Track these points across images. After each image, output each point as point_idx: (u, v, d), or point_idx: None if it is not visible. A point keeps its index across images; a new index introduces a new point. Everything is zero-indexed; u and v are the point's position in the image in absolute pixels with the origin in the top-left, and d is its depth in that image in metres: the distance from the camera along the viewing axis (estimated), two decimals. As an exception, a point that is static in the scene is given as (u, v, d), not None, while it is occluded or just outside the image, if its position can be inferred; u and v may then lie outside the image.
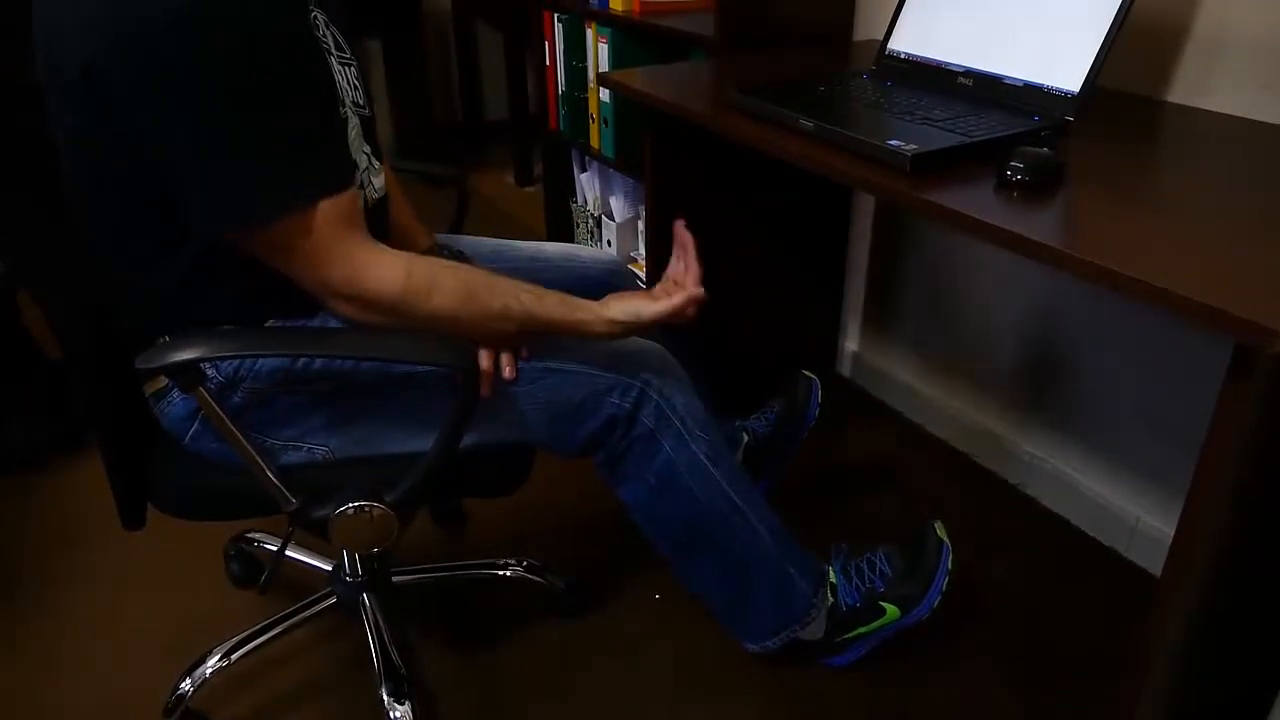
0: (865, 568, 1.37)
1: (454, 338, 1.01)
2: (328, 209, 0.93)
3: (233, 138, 0.88)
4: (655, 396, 1.17)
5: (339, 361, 1.08)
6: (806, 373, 1.70)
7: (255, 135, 0.89)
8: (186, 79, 0.85)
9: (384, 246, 1.00)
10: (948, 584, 1.34)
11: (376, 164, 1.12)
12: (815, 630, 1.35)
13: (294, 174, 0.92)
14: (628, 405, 1.16)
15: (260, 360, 1.06)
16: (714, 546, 1.28)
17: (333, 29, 1.05)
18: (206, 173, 0.90)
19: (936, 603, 1.34)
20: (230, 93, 0.87)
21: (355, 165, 1.05)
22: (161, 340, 0.96)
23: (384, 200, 1.16)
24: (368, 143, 1.10)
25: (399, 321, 1.00)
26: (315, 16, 1.01)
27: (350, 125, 1.05)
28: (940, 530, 1.38)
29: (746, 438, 1.65)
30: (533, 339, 1.11)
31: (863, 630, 1.36)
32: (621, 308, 1.11)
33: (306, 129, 0.93)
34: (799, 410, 1.67)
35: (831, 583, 1.35)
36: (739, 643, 1.38)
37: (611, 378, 1.16)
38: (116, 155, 0.91)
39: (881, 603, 1.34)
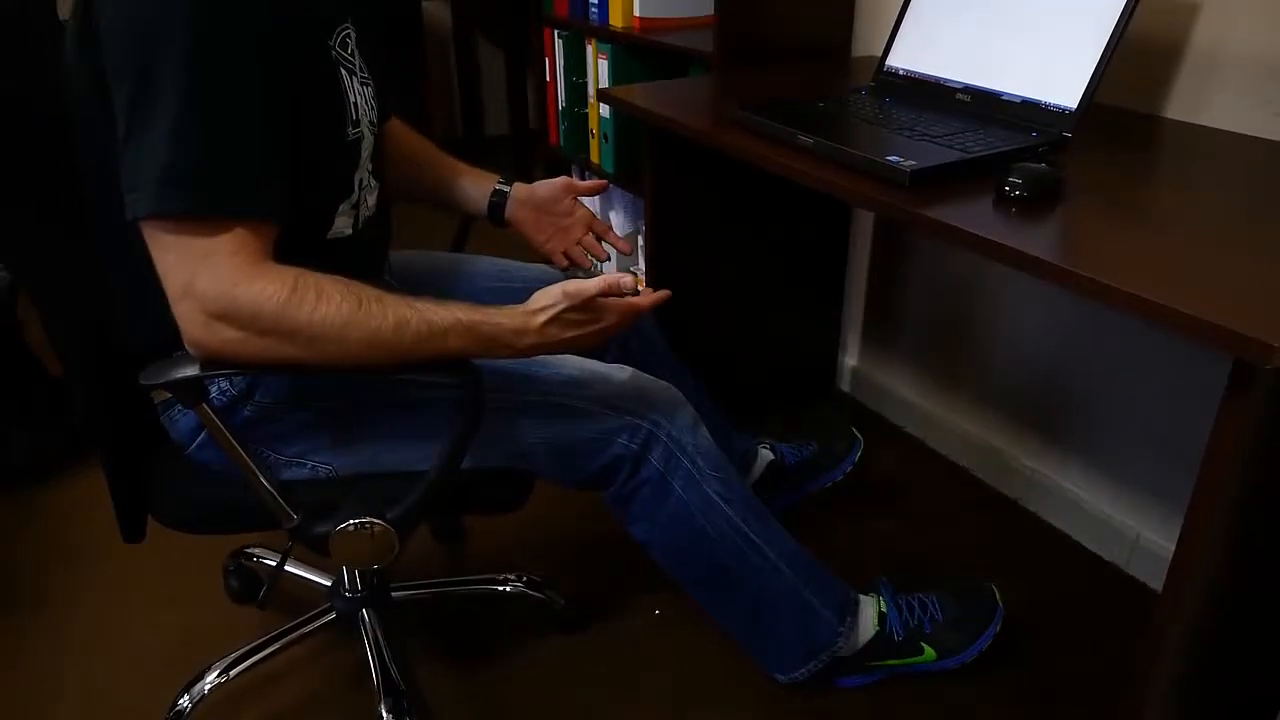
0: (917, 606, 1.38)
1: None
2: (243, 233, 0.88)
3: (195, 115, 0.85)
4: (664, 438, 1.16)
5: (347, 379, 1.07)
6: (856, 431, 1.74)
7: (218, 122, 0.86)
8: (170, 40, 0.83)
9: (273, 263, 0.91)
10: (989, 645, 1.36)
11: (374, 181, 1.12)
12: (850, 648, 1.34)
13: (234, 178, 0.88)
14: (635, 446, 1.15)
15: (272, 376, 1.06)
16: (732, 582, 1.27)
17: (361, 49, 1.05)
18: (137, 131, 0.85)
19: (972, 660, 1.36)
20: (207, 74, 0.85)
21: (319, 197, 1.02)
22: (176, 354, 0.96)
23: (376, 220, 1.14)
24: (372, 160, 1.10)
25: (276, 341, 0.90)
26: (346, 34, 1.01)
27: (365, 144, 1.06)
28: (996, 593, 1.40)
29: (773, 456, 1.65)
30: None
31: (894, 662, 1.36)
32: (546, 293, 1.00)
33: (267, 140, 0.90)
34: (833, 461, 1.70)
35: (881, 611, 1.35)
36: (768, 674, 1.37)
37: (619, 418, 1.15)
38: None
39: (923, 643, 1.35)
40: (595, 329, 1.02)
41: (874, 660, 1.36)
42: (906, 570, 1.59)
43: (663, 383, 1.23)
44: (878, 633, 1.34)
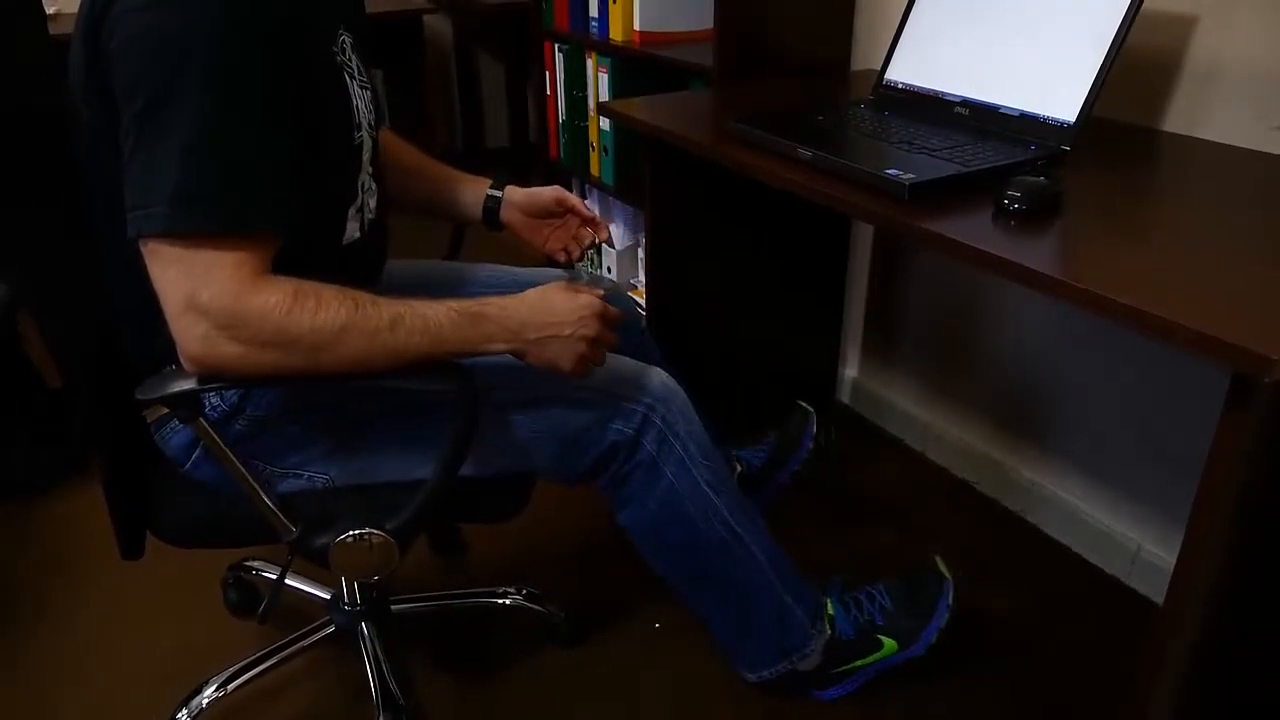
0: (864, 600, 1.36)
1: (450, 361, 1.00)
2: (249, 247, 0.88)
3: (210, 131, 0.85)
4: (658, 422, 1.16)
5: (341, 388, 1.07)
6: (803, 404, 1.70)
7: (233, 138, 0.87)
8: (188, 54, 0.83)
9: (272, 274, 0.92)
10: (948, 620, 1.34)
11: (374, 185, 1.12)
12: (812, 661, 1.34)
13: (248, 194, 0.88)
14: (630, 431, 1.16)
15: (263, 389, 1.06)
16: (714, 574, 1.27)
17: (357, 54, 1.06)
18: (147, 148, 0.85)
19: (934, 639, 1.34)
20: (216, 88, 0.85)
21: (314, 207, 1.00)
22: (166, 370, 0.96)
23: (378, 222, 1.14)
24: (371, 164, 1.10)
25: (278, 352, 0.91)
26: (344, 41, 1.02)
27: (365, 149, 1.06)
28: (942, 565, 1.37)
29: (740, 468, 1.64)
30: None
31: (859, 663, 1.35)
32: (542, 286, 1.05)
33: (280, 153, 0.91)
34: (792, 442, 1.67)
35: (829, 614, 1.34)
36: (737, 672, 1.37)
37: (614, 403, 1.15)
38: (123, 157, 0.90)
39: (879, 636, 1.33)
40: (575, 334, 1.04)
41: (835, 667, 1.35)
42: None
43: (656, 368, 1.23)
44: (829, 637, 1.33)
